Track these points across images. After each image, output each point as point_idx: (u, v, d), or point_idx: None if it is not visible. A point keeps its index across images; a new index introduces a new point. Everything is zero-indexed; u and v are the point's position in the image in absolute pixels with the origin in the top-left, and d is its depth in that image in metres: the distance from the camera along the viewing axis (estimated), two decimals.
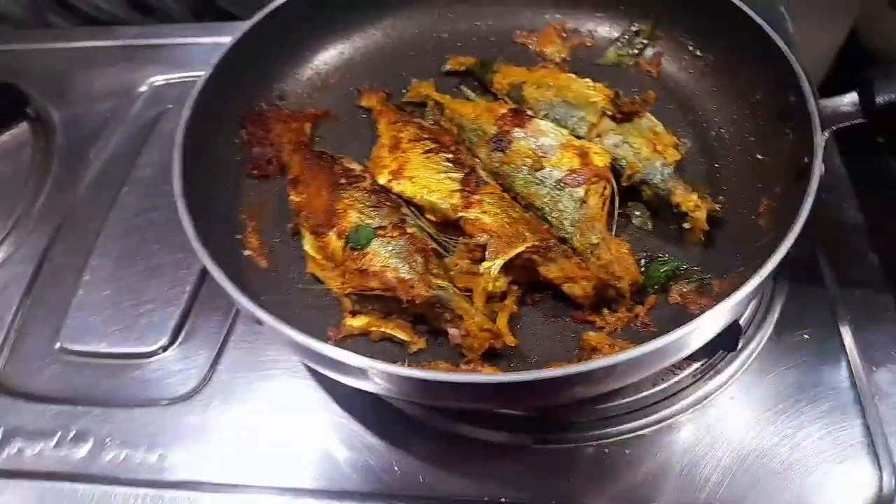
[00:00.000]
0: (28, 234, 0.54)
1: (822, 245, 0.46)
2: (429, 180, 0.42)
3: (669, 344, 0.31)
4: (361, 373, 0.33)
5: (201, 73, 0.46)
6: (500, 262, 0.38)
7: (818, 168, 0.36)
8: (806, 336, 0.43)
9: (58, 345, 0.47)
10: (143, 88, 0.63)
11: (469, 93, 0.50)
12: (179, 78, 0.64)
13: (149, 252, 0.51)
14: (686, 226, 0.41)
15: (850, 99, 0.38)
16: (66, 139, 0.60)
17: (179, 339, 0.47)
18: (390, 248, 0.39)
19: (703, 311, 0.32)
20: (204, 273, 0.49)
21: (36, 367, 0.46)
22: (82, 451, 0.42)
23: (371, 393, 0.42)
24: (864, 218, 0.48)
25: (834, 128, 0.38)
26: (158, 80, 0.64)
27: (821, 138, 0.37)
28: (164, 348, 0.46)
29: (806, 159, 0.37)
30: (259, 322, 0.34)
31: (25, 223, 0.55)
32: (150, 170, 0.57)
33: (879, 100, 0.36)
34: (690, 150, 0.46)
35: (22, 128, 0.61)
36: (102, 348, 0.47)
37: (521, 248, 0.38)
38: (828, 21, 0.73)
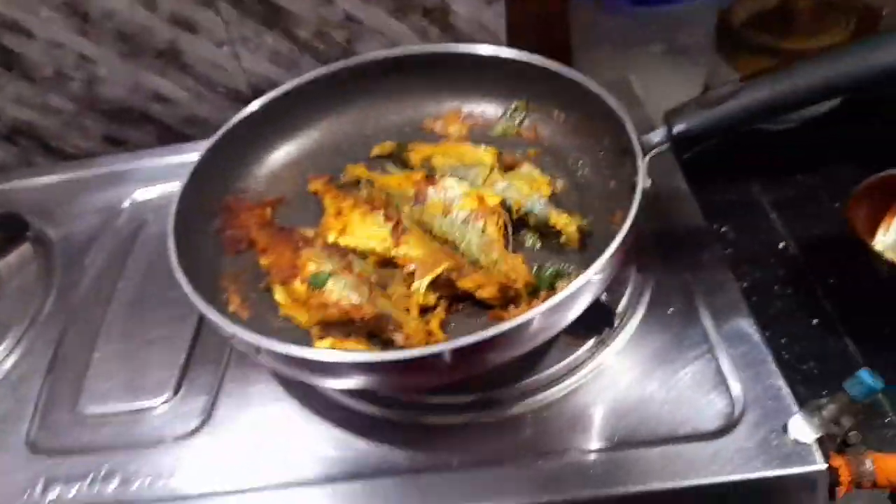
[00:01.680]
0: (41, 331, 0.64)
1: (679, 248, 0.61)
2: (367, 232, 0.55)
3: (543, 313, 0.43)
4: (338, 368, 0.44)
5: (173, 186, 0.58)
6: (426, 280, 0.50)
7: (641, 181, 0.50)
8: (671, 311, 0.56)
9: (78, 410, 0.57)
10: (126, 204, 0.76)
11: (392, 169, 0.64)
12: (156, 193, 0.76)
13: (146, 329, 0.62)
14: (563, 240, 0.54)
15: (659, 132, 0.53)
16: (63, 252, 0.71)
17: (181, 391, 0.57)
18: (342, 284, 0.51)
19: None
20: (195, 338, 0.60)
21: (62, 430, 0.56)
22: (112, 485, 0.51)
23: (343, 407, 0.53)
24: (706, 222, 0.63)
25: (652, 153, 0.52)
26: (137, 197, 0.76)
27: (641, 161, 0.51)
28: (169, 400, 0.56)
29: (635, 177, 0.51)
30: (257, 349, 0.45)
31: (38, 323, 0.65)
32: (139, 267, 0.68)
33: (674, 131, 0.51)
34: (564, 187, 0.60)
35: (25, 248, 0.72)
36: (116, 407, 0.56)
37: (440, 268, 0.51)
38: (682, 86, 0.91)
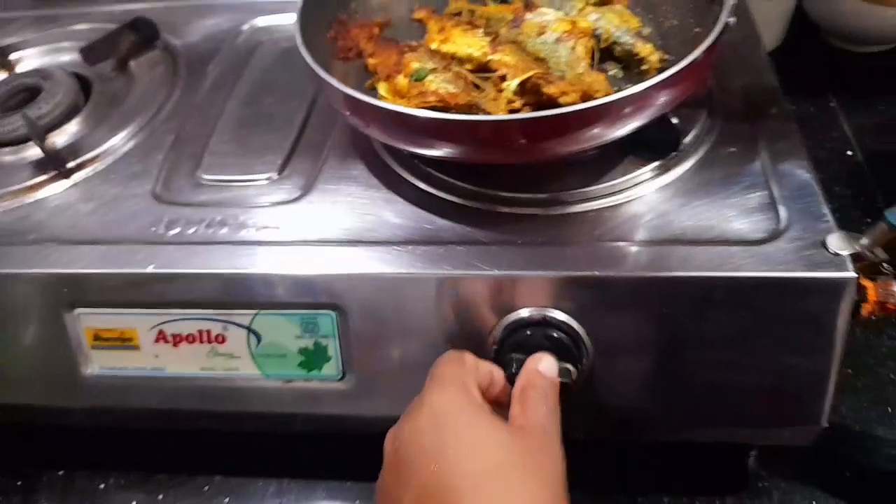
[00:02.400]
0: (167, 118, 0.73)
1: (750, 102, 0.65)
2: (466, 42, 0.61)
3: (613, 102, 0.49)
4: (435, 129, 0.50)
5: (288, 17, 0.64)
6: (516, 80, 0.56)
7: (725, 13, 0.54)
8: (733, 150, 0.60)
9: (196, 176, 0.66)
10: (245, 27, 0.84)
11: (492, 4, 0.70)
12: (272, 21, 0.85)
13: (259, 122, 0.70)
14: (644, 67, 0.60)
15: None
16: (188, 60, 0.80)
17: (286, 171, 0.65)
18: (441, 78, 0.58)
19: None
20: (301, 130, 0.68)
21: (182, 190, 0.64)
22: (225, 229, 0.60)
23: (429, 194, 0.60)
24: (778, 84, 0.67)
25: None
26: (256, 22, 0.85)
27: None
28: (274, 176, 0.65)
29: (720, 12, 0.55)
30: (368, 108, 0.52)
31: (164, 112, 0.74)
32: (255, 75, 0.77)
33: None
34: (650, 33, 0.65)
35: (155, 53, 0.81)
36: (229, 176, 0.65)
37: (530, 73, 0.56)
38: None
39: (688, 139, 0.61)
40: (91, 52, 0.79)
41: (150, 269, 0.57)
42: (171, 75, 0.78)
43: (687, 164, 0.60)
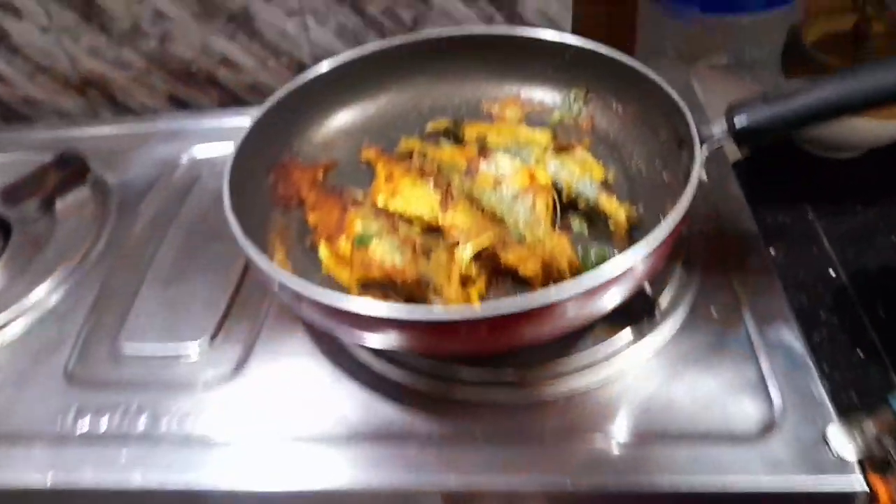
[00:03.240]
0: (90, 270, 0.66)
1: (727, 250, 0.59)
2: (415, 198, 0.55)
3: (586, 289, 0.43)
4: (375, 322, 0.44)
5: (231, 146, 0.58)
6: (470, 248, 0.50)
7: (697, 170, 0.49)
8: (714, 311, 0.54)
9: (117, 347, 0.58)
10: (184, 160, 0.77)
11: (446, 144, 0.64)
12: (213, 152, 0.78)
13: (190, 278, 0.63)
14: (611, 226, 0.54)
15: (719, 125, 0.52)
16: (119, 198, 0.74)
17: (217, 339, 0.58)
18: (387, 245, 0.52)
19: None
20: (236, 291, 0.61)
21: (99, 365, 0.57)
22: (141, 421, 0.52)
23: (374, 371, 0.53)
24: (756, 227, 0.61)
25: (711, 144, 0.51)
26: (195, 153, 0.78)
27: (699, 151, 0.50)
28: (205, 347, 0.57)
29: (691, 167, 0.50)
30: (298, 296, 0.45)
31: (88, 262, 0.67)
32: (191, 217, 0.70)
33: (737, 124, 0.50)
34: (616, 177, 0.59)
35: (84, 190, 0.74)
36: (154, 348, 0.57)
37: (486, 238, 0.50)
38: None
39: (663, 299, 0.55)
40: (12, 192, 0.72)
41: (47, 481, 0.49)
42: (100, 216, 0.72)
43: (665, 331, 0.53)
